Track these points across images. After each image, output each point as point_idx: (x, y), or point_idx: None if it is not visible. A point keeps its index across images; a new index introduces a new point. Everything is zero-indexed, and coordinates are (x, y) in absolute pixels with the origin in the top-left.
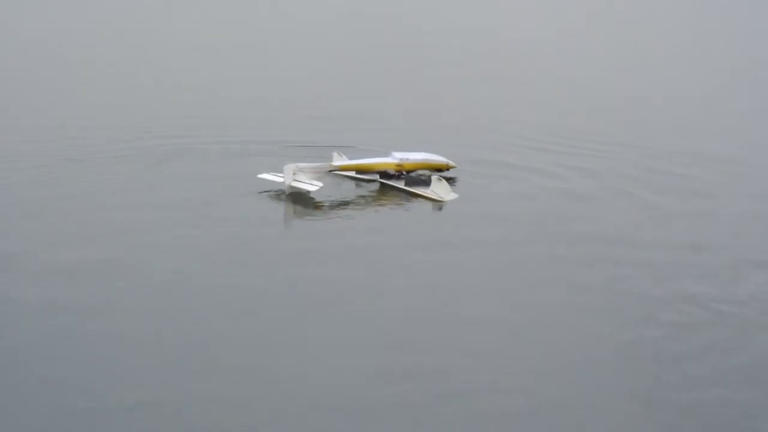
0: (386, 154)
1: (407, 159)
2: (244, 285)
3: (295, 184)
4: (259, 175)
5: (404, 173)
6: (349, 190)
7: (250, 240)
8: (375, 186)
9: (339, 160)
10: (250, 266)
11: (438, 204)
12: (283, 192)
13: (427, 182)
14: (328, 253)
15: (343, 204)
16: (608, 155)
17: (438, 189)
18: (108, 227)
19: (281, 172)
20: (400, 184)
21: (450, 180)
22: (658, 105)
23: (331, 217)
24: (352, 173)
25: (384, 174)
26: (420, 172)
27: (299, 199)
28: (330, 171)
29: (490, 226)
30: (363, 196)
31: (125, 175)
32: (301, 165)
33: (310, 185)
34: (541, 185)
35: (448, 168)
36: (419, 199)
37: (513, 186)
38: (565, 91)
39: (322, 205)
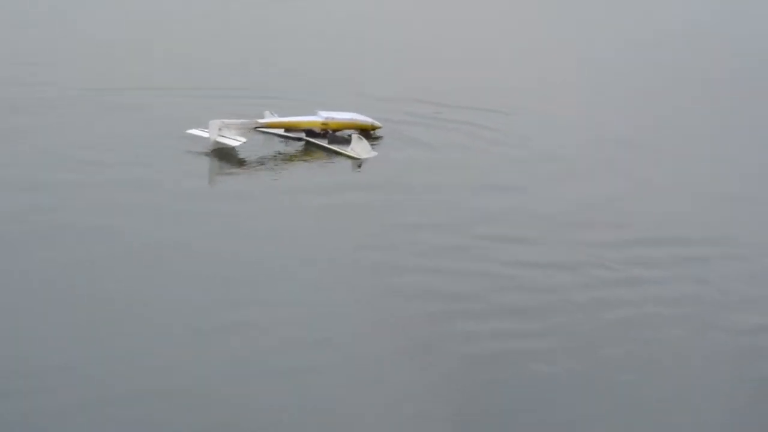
0: (312, 113)
1: (333, 118)
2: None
3: (220, 139)
4: (188, 131)
5: (330, 132)
6: (274, 148)
7: (169, 197)
8: (301, 144)
9: (268, 118)
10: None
11: (357, 161)
12: (208, 148)
13: (349, 141)
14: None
15: (267, 161)
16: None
17: (358, 147)
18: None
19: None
20: (324, 143)
21: (376, 139)
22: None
23: (251, 175)
24: (279, 131)
25: (310, 132)
26: (346, 131)
27: (224, 155)
28: (256, 128)
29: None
30: (286, 154)
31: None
32: (227, 121)
33: (235, 141)
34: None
35: (373, 128)
36: (340, 157)
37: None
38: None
39: (246, 162)
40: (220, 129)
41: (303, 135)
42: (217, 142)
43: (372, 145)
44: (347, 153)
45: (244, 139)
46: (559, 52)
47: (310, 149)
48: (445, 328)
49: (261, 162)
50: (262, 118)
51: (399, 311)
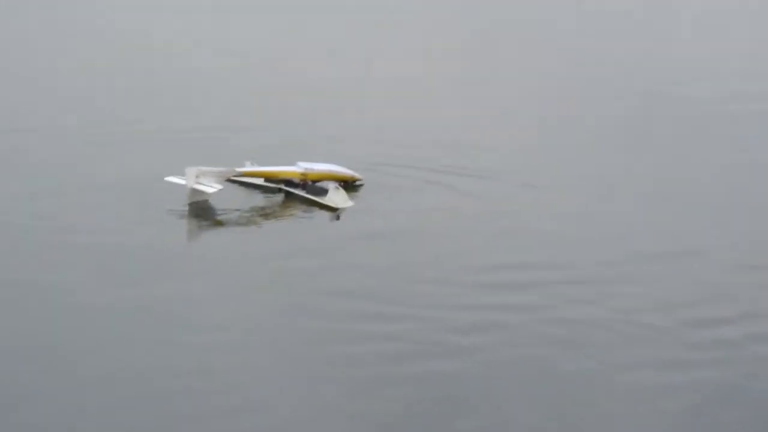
0: (292, 164)
1: (311, 169)
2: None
3: (197, 186)
4: (166, 178)
5: (309, 183)
6: (253, 199)
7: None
8: (281, 195)
9: (248, 168)
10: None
11: (335, 212)
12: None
13: (326, 192)
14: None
15: (244, 215)
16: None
17: (335, 197)
18: None
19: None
20: (302, 193)
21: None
22: None
23: (229, 227)
24: (257, 180)
25: (288, 182)
26: (326, 183)
27: (200, 207)
28: (234, 176)
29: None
30: (265, 207)
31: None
32: (204, 169)
33: (210, 188)
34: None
35: (354, 180)
36: (318, 209)
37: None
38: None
39: (224, 215)
40: (197, 176)
41: (282, 185)
42: (194, 190)
43: (350, 195)
44: (324, 202)
45: (220, 186)
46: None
47: (289, 201)
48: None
49: (237, 216)
50: (242, 166)
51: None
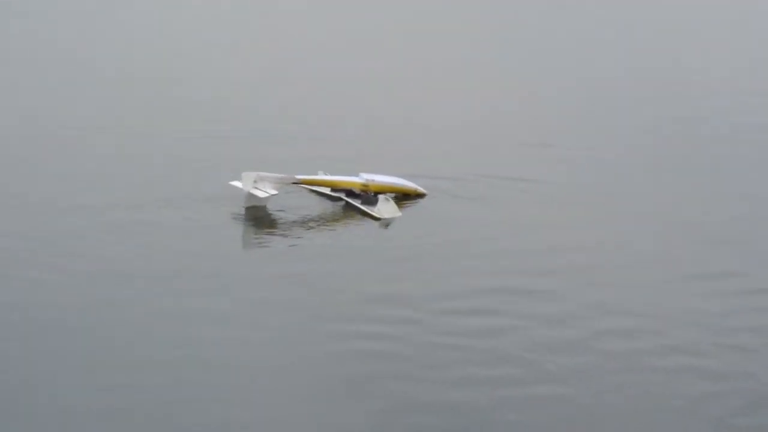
0: (354, 174)
1: (374, 180)
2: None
3: (253, 191)
4: (230, 182)
5: (367, 193)
6: (311, 206)
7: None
8: (341, 204)
9: (319, 176)
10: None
11: (383, 222)
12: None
13: (377, 201)
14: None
15: (300, 222)
16: None
17: (383, 208)
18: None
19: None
20: (357, 203)
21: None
22: None
23: (276, 231)
24: (317, 188)
25: (350, 192)
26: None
27: (257, 211)
28: (293, 183)
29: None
30: (320, 215)
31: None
32: (263, 174)
33: (265, 193)
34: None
35: (417, 194)
36: (368, 217)
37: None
38: None
39: (278, 221)
40: (255, 181)
41: (343, 195)
42: (251, 195)
43: (404, 206)
44: (372, 213)
45: (275, 192)
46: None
47: (344, 210)
48: None
49: (287, 221)
50: (302, 174)
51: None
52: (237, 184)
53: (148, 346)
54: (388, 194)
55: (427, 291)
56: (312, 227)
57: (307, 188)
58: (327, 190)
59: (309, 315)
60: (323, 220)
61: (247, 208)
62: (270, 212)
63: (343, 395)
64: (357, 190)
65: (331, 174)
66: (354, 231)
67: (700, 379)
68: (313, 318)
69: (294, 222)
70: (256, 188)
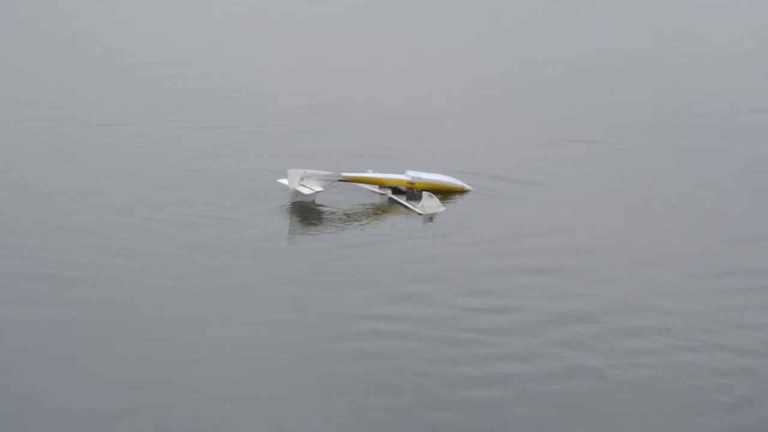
0: (401, 172)
1: (419, 178)
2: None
3: (300, 188)
4: (279, 180)
5: (415, 191)
6: (356, 203)
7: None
8: (385, 199)
9: (368, 174)
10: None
11: (425, 216)
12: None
13: (421, 197)
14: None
15: (343, 218)
16: None
17: (426, 203)
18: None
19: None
20: (402, 199)
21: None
22: None
23: (321, 225)
24: (365, 185)
25: (395, 190)
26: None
27: (303, 207)
28: (339, 180)
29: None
30: (365, 209)
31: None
32: (309, 171)
33: (310, 190)
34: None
35: (462, 191)
36: (413, 213)
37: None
38: None
39: (323, 216)
40: (301, 178)
41: (389, 192)
42: (297, 192)
43: (447, 203)
44: (415, 209)
45: (320, 189)
46: None
47: (389, 206)
48: None
49: (332, 216)
50: (350, 172)
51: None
52: (284, 181)
53: (181, 333)
54: (434, 192)
55: (451, 288)
56: (354, 223)
57: (355, 185)
58: (375, 188)
59: (322, 312)
60: (366, 217)
61: (293, 204)
62: (315, 208)
63: (348, 395)
64: (403, 188)
65: (379, 172)
66: (395, 227)
67: (709, 375)
68: (325, 315)
69: (337, 218)
70: (302, 185)
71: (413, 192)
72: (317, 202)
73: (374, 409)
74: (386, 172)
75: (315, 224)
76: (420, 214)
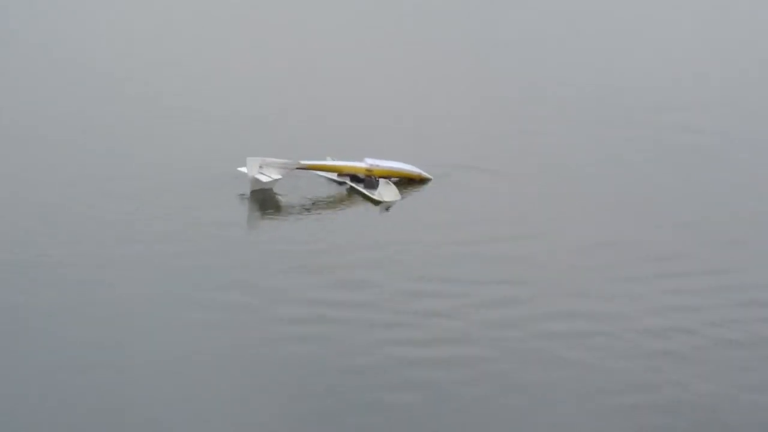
0: (359, 159)
1: (377, 165)
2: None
3: (259, 176)
4: (238, 168)
5: (373, 178)
6: (316, 190)
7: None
8: (341, 189)
9: (327, 162)
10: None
11: (385, 205)
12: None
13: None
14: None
15: (301, 206)
16: None
17: (384, 191)
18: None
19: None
20: (360, 187)
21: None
22: None
23: (278, 215)
24: (323, 173)
25: (354, 177)
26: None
27: (263, 195)
28: (297, 168)
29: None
30: (322, 198)
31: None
32: (268, 159)
33: (269, 177)
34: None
35: (421, 179)
36: (369, 201)
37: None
38: None
39: (279, 204)
40: (260, 166)
41: (347, 180)
42: (256, 180)
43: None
44: (372, 197)
45: (279, 177)
46: None
47: (347, 194)
48: None
49: (289, 205)
50: (307, 159)
51: None
52: (243, 169)
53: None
54: (392, 179)
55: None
56: (312, 211)
57: (321, 174)
58: (333, 175)
59: (272, 297)
60: (324, 205)
61: (252, 192)
62: (273, 196)
63: (292, 377)
64: (361, 175)
65: (337, 159)
66: (351, 215)
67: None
68: (273, 300)
69: (295, 206)
70: (261, 173)
71: (372, 180)
72: (276, 190)
73: (318, 391)
74: (345, 160)
75: (273, 212)
76: (378, 202)
